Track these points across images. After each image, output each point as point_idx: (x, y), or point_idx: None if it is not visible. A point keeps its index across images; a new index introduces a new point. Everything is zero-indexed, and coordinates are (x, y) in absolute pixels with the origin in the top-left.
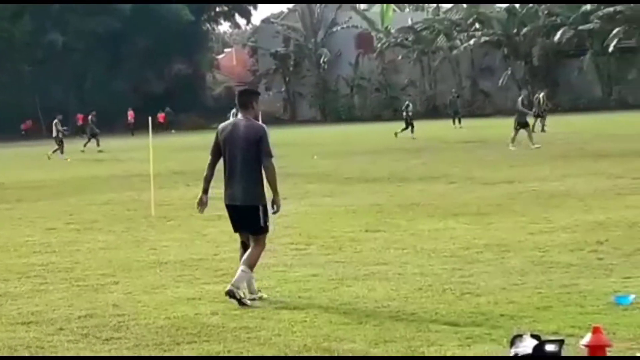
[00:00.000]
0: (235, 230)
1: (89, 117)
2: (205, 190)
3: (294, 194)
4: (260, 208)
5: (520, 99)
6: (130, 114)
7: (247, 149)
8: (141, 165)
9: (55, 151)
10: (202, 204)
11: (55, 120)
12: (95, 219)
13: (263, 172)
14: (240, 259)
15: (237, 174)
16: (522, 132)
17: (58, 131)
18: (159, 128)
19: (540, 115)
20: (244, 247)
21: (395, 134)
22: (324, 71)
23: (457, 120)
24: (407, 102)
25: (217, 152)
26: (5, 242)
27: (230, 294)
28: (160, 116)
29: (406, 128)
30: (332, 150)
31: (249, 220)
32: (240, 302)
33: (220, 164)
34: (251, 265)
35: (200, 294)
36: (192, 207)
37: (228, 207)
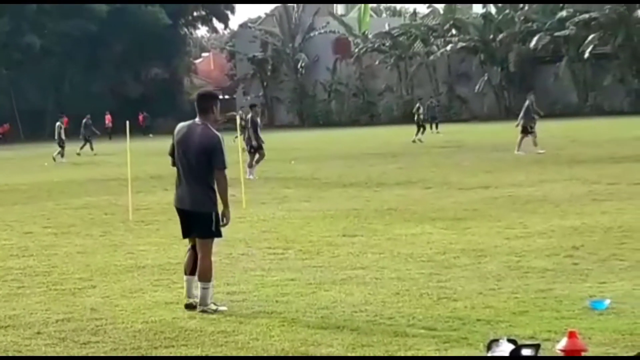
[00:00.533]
0: (184, 235)
1: (84, 120)
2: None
3: (272, 198)
4: (213, 215)
5: (527, 104)
6: (108, 118)
7: (199, 157)
8: (119, 169)
9: (82, 147)
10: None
11: (85, 120)
12: (72, 223)
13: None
14: (186, 264)
15: (187, 178)
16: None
17: (91, 131)
18: (138, 130)
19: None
20: (194, 249)
21: (414, 140)
22: (302, 76)
23: (434, 126)
24: (417, 105)
25: (173, 152)
26: None
27: (204, 312)
28: (140, 117)
29: (418, 131)
30: (310, 155)
31: (199, 225)
32: (216, 312)
33: None
34: (207, 278)
35: (178, 298)
36: (170, 212)
37: (177, 209)
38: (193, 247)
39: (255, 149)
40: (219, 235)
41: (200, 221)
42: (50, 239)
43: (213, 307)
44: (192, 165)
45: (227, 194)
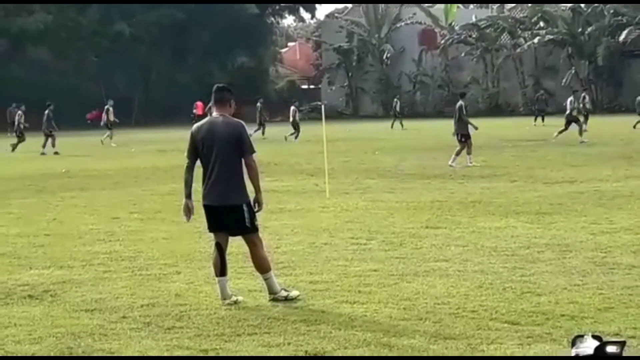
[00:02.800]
0: (211, 229)
1: (46, 111)
2: (188, 195)
3: (355, 189)
4: (244, 207)
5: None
6: (199, 105)
7: (227, 146)
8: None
9: (44, 145)
10: (187, 210)
11: (47, 112)
12: (158, 209)
13: (245, 169)
14: (216, 264)
15: (215, 173)
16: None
17: (51, 126)
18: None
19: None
20: (219, 249)
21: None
22: (387, 67)
23: (540, 119)
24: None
25: (194, 154)
26: (70, 229)
27: (275, 300)
28: (199, 105)
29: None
30: (394, 146)
31: (233, 221)
32: (287, 299)
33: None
34: (266, 269)
35: (262, 286)
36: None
37: (207, 207)
38: (218, 245)
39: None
40: (255, 229)
41: (233, 215)
42: (136, 225)
43: (284, 293)
44: (220, 158)
45: (259, 179)
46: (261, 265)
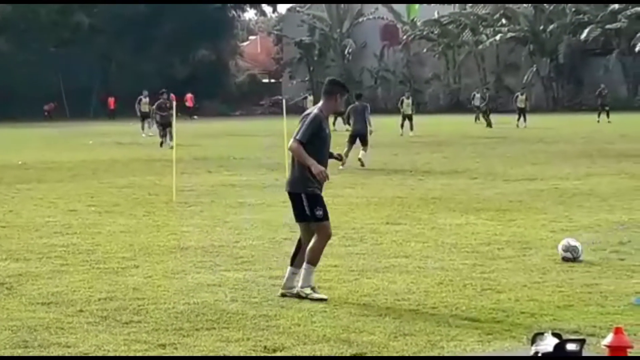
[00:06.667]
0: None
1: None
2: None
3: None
4: (303, 196)
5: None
6: (189, 97)
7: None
8: (163, 150)
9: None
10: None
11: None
12: (116, 202)
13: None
14: (291, 254)
15: (292, 160)
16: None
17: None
18: (184, 112)
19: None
20: (299, 243)
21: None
22: (349, 62)
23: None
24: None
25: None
26: (27, 222)
27: (296, 296)
28: (189, 97)
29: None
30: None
31: (296, 208)
32: (307, 297)
33: None
34: (311, 261)
35: (221, 281)
36: (213, 194)
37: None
38: (299, 240)
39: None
40: (316, 219)
41: (295, 203)
42: (94, 218)
43: (307, 291)
44: None
45: (305, 159)
46: (310, 255)
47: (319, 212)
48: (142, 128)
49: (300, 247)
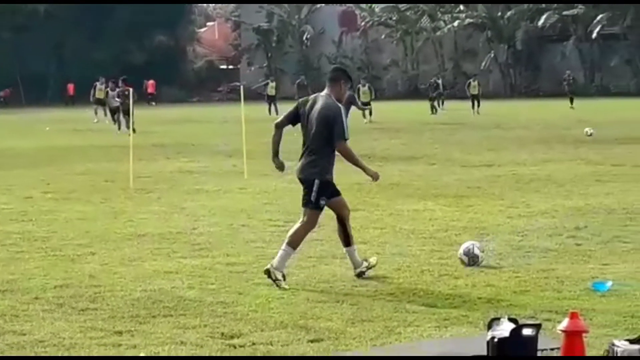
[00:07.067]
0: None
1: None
2: (275, 154)
3: (274, 170)
4: (316, 183)
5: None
6: (151, 84)
7: (318, 127)
8: (120, 137)
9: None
10: (278, 166)
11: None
12: (72, 188)
13: (335, 152)
14: (342, 238)
15: (306, 148)
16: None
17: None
18: (142, 98)
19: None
20: (339, 221)
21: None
22: (307, 48)
23: (437, 103)
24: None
25: (290, 119)
26: None
27: (267, 273)
28: (150, 84)
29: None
30: None
31: (305, 193)
32: (275, 282)
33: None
34: (292, 244)
35: (178, 268)
36: (171, 181)
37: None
38: (338, 218)
39: None
40: (316, 207)
41: (306, 189)
42: (50, 204)
43: (279, 275)
44: (310, 134)
45: (358, 161)
46: (293, 238)
47: (322, 202)
48: (96, 113)
49: (343, 225)
